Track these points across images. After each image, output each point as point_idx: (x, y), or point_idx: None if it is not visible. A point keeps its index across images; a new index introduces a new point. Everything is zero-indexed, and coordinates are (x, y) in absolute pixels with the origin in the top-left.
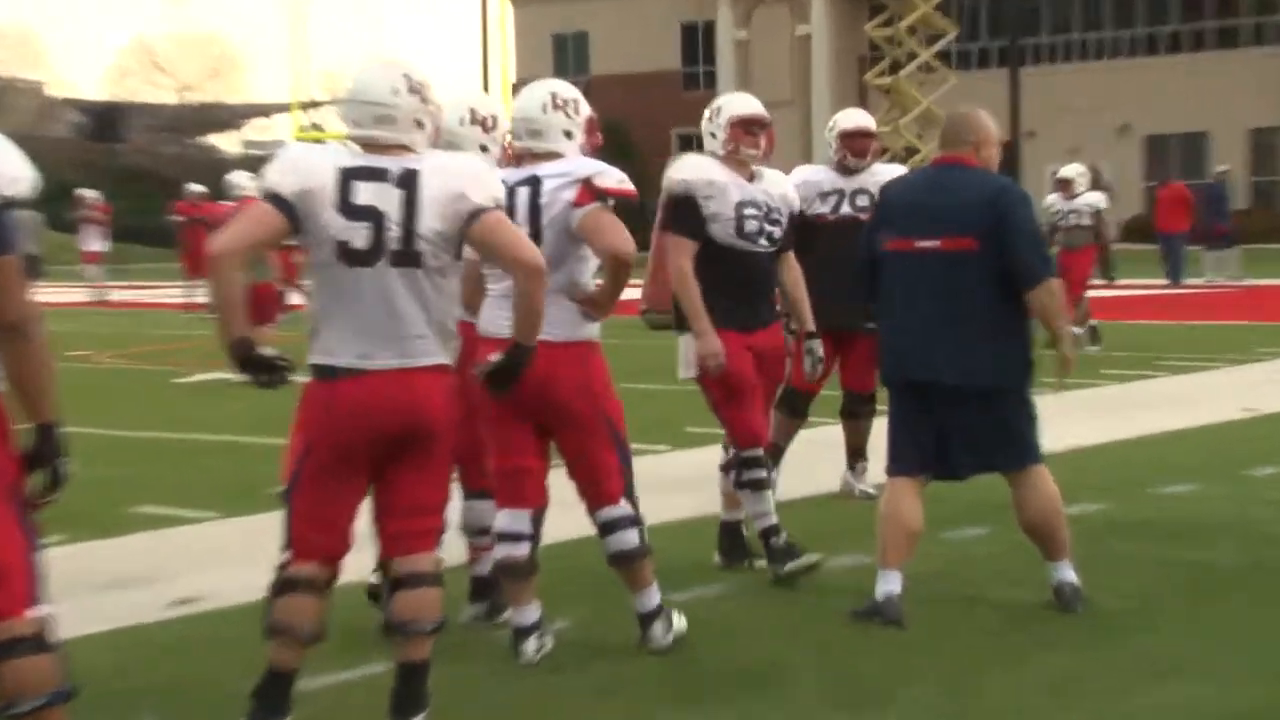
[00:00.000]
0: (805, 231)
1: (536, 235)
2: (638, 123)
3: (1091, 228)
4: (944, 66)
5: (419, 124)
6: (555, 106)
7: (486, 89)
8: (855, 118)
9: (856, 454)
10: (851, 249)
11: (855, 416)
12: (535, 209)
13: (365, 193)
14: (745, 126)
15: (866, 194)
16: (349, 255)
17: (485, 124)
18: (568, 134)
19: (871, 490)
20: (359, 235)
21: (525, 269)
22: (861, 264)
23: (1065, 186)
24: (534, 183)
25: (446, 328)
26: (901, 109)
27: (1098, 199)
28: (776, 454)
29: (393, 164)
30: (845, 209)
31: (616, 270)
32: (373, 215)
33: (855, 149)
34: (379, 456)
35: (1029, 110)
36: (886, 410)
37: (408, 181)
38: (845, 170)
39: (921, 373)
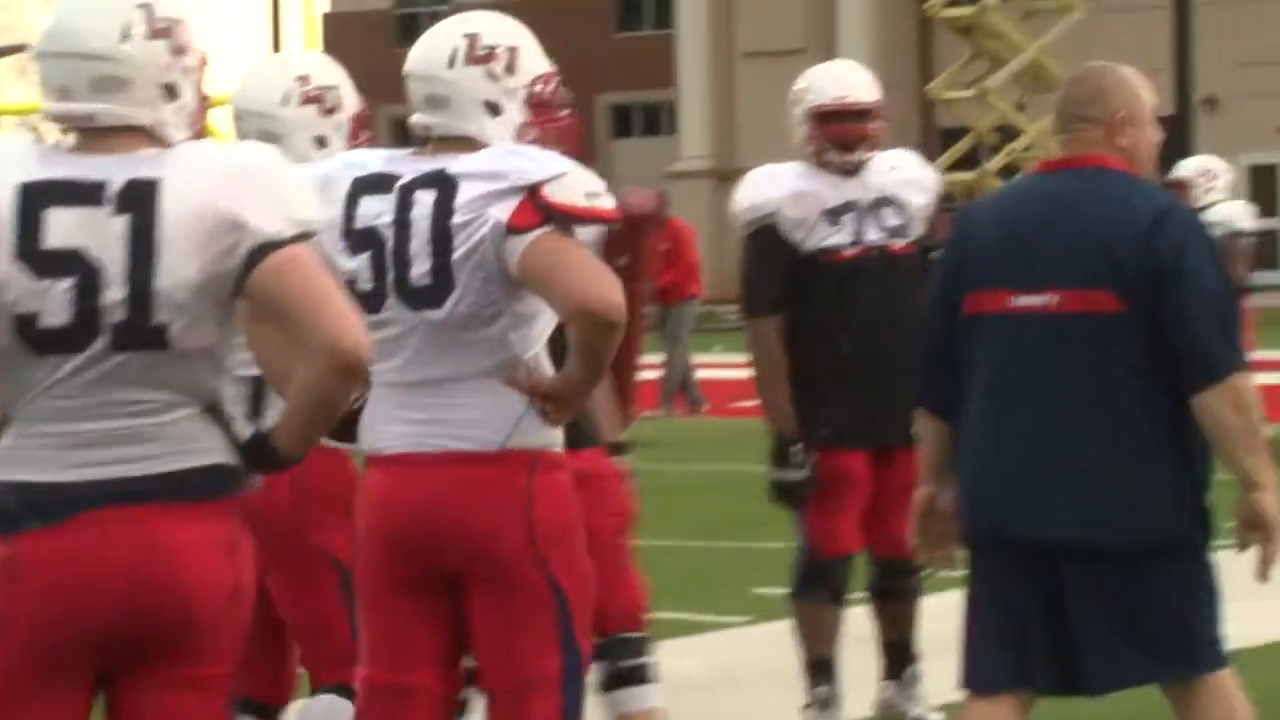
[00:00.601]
0: (805, 278)
1: (444, 272)
2: None
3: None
4: None
5: (168, 91)
6: (472, 59)
7: (275, 21)
8: (841, 81)
9: (901, 655)
10: (890, 305)
11: (895, 596)
12: (443, 230)
13: (63, 226)
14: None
15: (893, 204)
16: (38, 338)
17: (323, 101)
18: (491, 107)
19: (934, 718)
20: (54, 303)
21: (331, 356)
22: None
23: (1181, 192)
24: (442, 184)
25: (221, 442)
26: (991, 60)
27: (1235, 214)
28: (824, 671)
29: (114, 169)
30: (871, 234)
31: (594, 337)
32: (77, 266)
33: (839, 136)
34: (104, 668)
35: (1209, 64)
36: (965, 583)
37: (137, 201)
38: (837, 169)
39: (1026, 523)
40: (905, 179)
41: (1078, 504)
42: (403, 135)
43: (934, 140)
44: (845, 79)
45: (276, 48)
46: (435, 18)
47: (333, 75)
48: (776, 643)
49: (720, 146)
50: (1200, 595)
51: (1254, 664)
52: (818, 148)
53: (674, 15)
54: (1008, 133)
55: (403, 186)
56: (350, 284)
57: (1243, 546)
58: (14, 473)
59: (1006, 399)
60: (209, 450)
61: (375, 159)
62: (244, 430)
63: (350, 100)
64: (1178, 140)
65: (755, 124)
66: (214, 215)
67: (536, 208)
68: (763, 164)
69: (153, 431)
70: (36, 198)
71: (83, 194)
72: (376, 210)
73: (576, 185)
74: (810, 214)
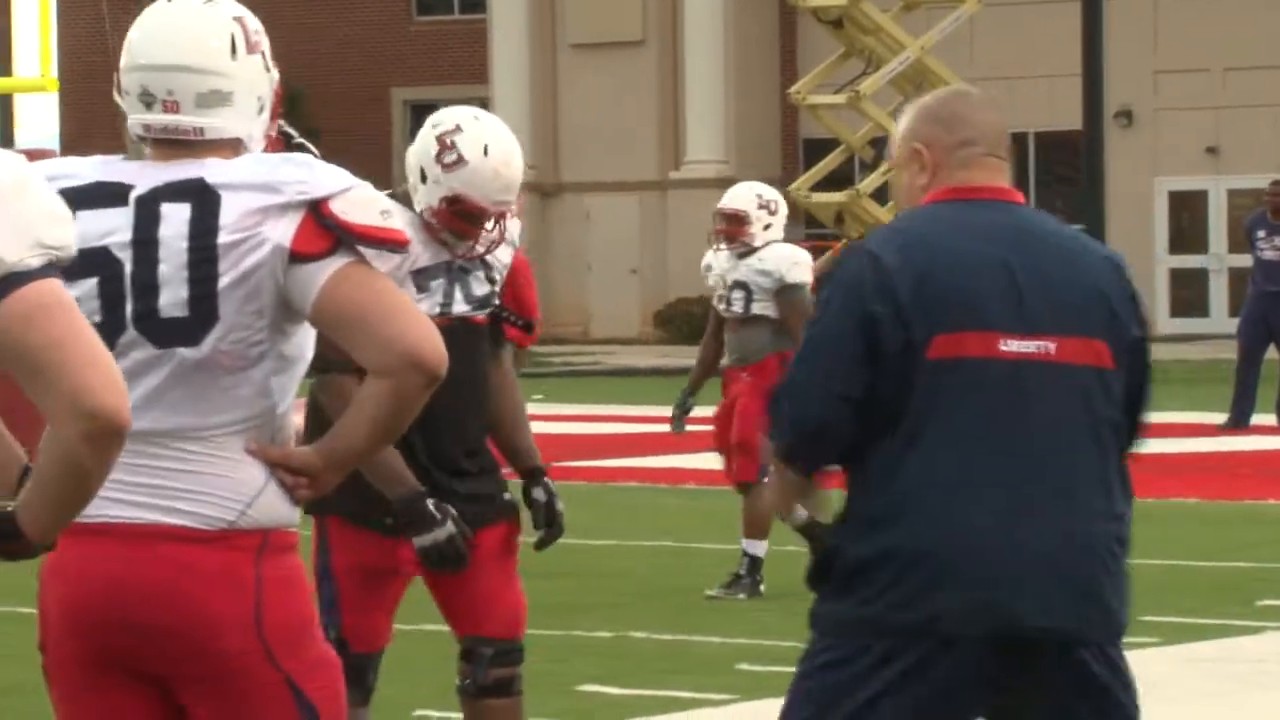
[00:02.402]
0: None
1: (205, 302)
2: (320, 79)
3: (774, 321)
4: None
5: None
6: (251, 47)
7: (6, 6)
8: (502, 182)
9: None
10: (468, 386)
11: (500, 691)
12: (205, 251)
13: None
14: None
15: (484, 267)
16: None
17: None
18: (261, 104)
19: None
20: None
21: (83, 420)
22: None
23: (737, 229)
24: (199, 196)
25: None
26: (870, 58)
27: (787, 260)
28: None
29: None
30: (458, 304)
31: (415, 393)
32: None
33: (467, 232)
34: None
35: (1122, 70)
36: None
37: None
38: (452, 255)
39: (1028, 611)
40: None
41: (1077, 587)
42: None
43: (796, 153)
44: (511, 180)
45: (4, 27)
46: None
47: None
48: None
49: (541, 155)
50: (1131, 682)
51: None
52: (440, 224)
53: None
54: (882, 148)
55: (141, 198)
56: None
57: None
58: None
59: (988, 460)
60: None
61: (86, 167)
62: None
63: None
64: (1089, 161)
65: (583, 129)
66: None
67: (323, 228)
68: (592, 176)
69: None
70: None
71: None
72: (105, 227)
73: (368, 202)
74: (398, 272)
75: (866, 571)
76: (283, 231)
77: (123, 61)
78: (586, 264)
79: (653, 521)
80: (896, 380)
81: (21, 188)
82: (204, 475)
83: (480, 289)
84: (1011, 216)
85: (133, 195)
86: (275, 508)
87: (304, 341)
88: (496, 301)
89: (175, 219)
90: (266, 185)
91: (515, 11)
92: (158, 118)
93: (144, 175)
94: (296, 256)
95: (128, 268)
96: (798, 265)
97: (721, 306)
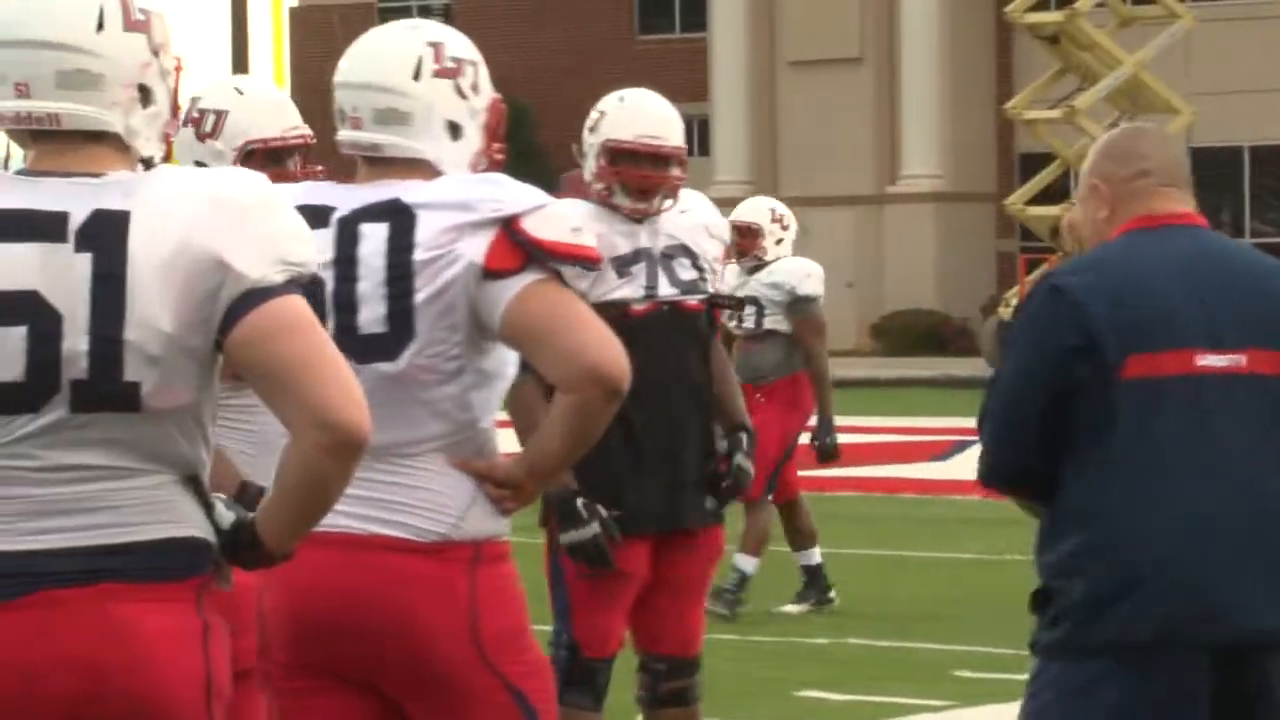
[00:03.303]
0: None
1: (402, 318)
2: (546, 97)
3: (787, 337)
4: None
5: (142, 96)
6: (440, 71)
7: (239, 16)
8: (646, 118)
9: None
10: (683, 368)
11: (678, 701)
12: (402, 268)
13: (15, 265)
14: None
15: (686, 254)
16: None
17: (202, 123)
18: (453, 128)
19: None
20: (3, 354)
21: (323, 432)
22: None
23: (749, 242)
24: (396, 216)
25: (197, 514)
26: (1082, 75)
27: (798, 272)
28: None
29: (76, 197)
30: (664, 288)
31: (599, 407)
32: (27, 311)
33: (634, 181)
34: None
35: None
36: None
37: (103, 237)
38: (627, 214)
39: (1228, 617)
40: (697, 224)
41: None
42: None
43: (1013, 167)
44: (652, 116)
45: (239, 45)
46: (427, 12)
47: (222, 95)
48: None
49: (761, 170)
50: None
51: None
52: (606, 187)
53: (708, 16)
54: None
55: (343, 219)
56: None
57: None
58: None
59: (1186, 471)
60: (182, 522)
61: (292, 190)
62: (224, 516)
63: (249, 126)
64: None
65: (800, 145)
66: (192, 255)
67: (515, 244)
68: (810, 190)
69: (116, 497)
70: None
71: (29, 224)
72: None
73: (560, 219)
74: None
75: (1089, 595)
76: (476, 248)
77: None
78: None
79: (868, 530)
80: (1094, 405)
81: (266, 207)
82: (413, 489)
83: (686, 274)
84: (1196, 240)
85: (334, 217)
86: (485, 520)
87: (505, 357)
88: (710, 290)
89: (374, 238)
90: (461, 203)
91: (735, 30)
92: (346, 134)
93: (346, 198)
94: (489, 273)
95: (329, 285)
96: (810, 278)
97: (733, 323)
